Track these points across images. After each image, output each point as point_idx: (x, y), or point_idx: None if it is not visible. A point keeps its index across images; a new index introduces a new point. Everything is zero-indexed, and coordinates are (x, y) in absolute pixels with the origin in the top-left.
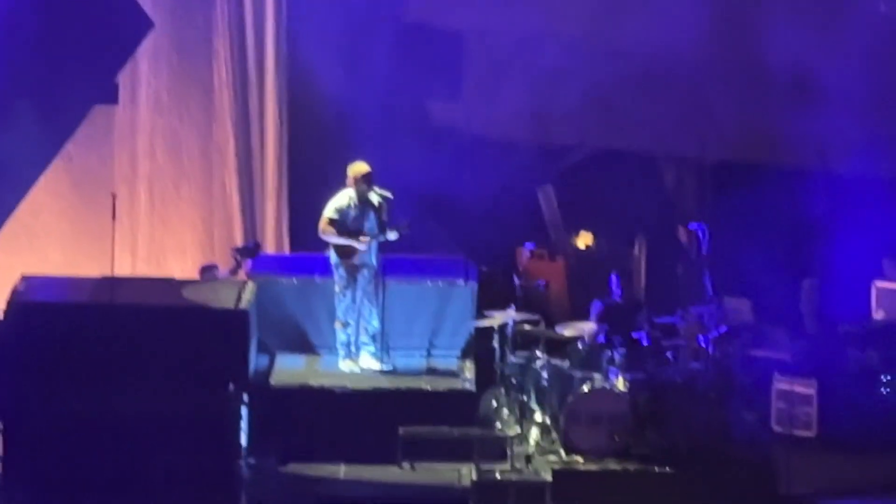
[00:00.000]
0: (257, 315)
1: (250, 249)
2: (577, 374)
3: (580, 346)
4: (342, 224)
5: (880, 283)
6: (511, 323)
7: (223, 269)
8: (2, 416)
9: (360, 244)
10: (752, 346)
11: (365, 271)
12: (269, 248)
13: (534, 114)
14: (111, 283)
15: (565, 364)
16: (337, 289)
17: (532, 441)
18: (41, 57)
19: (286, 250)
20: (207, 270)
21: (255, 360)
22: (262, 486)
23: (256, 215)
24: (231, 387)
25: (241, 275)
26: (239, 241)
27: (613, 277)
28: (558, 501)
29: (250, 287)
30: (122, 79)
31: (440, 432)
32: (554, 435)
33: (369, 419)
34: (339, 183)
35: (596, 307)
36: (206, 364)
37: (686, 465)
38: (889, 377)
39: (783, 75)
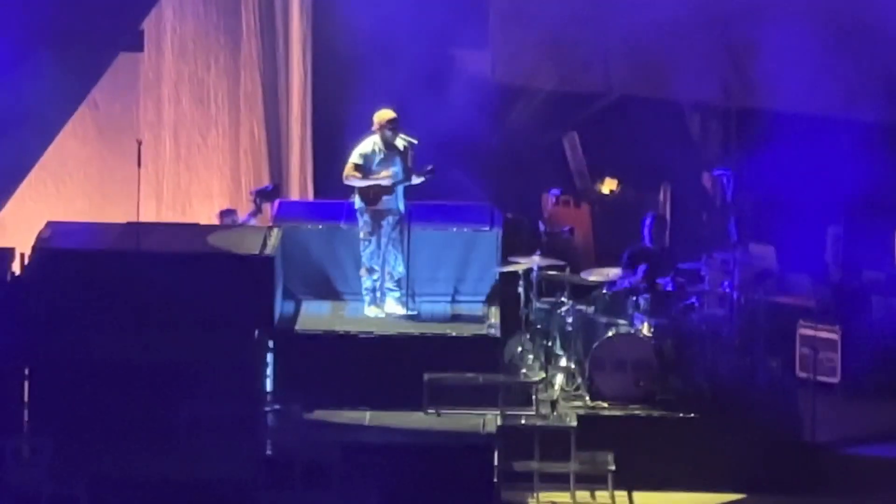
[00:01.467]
0: (282, 261)
1: (269, 192)
2: (602, 319)
3: (605, 291)
4: (367, 169)
5: None
6: (536, 269)
7: (242, 214)
8: (27, 362)
9: (384, 180)
10: (776, 292)
11: (390, 217)
12: (294, 194)
13: (558, 60)
14: (136, 229)
15: (590, 310)
16: (362, 235)
17: (557, 387)
18: (64, 4)
19: (310, 197)
20: (226, 214)
21: (281, 307)
22: (287, 433)
23: (283, 163)
24: (256, 333)
25: (262, 219)
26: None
27: (647, 219)
28: (583, 447)
29: (276, 233)
30: (147, 26)
31: (465, 378)
32: (579, 381)
33: (394, 365)
34: (364, 130)
35: (628, 251)
36: (231, 310)
37: (710, 412)
38: None
39: (811, 21)
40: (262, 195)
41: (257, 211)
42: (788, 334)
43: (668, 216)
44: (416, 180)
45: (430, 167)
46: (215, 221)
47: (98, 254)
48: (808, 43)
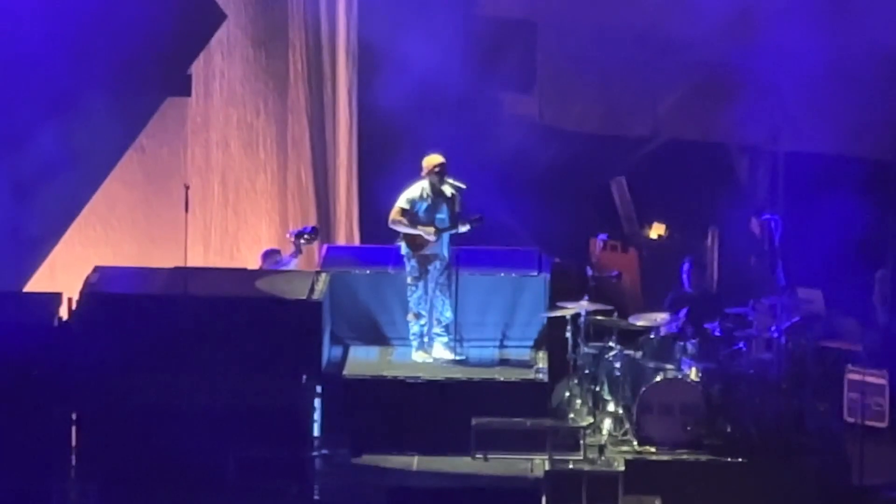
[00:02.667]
0: (330, 306)
1: (309, 234)
2: (650, 364)
3: (653, 336)
4: (413, 215)
5: None
6: (584, 314)
7: (285, 254)
8: (75, 406)
9: (428, 234)
10: (824, 336)
11: (437, 262)
12: (341, 239)
13: (606, 105)
14: (184, 273)
15: (638, 354)
16: (409, 280)
17: (605, 431)
18: (114, 48)
19: (357, 242)
20: (269, 255)
21: (329, 352)
22: (334, 477)
23: (330, 207)
24: (304, 378)
25: (303, 259)
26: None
27: (685, 264)
28: (630, 492)
29: (323, 278)
30: (196, 70)
31: (513, 423)
32: (626, 425)
33: (442, 410)
34: (410, 175)
35: (669, 297)
36: (279, 355)
37: (758, 456)
38: None
39: (862, 65)
40: (302, 236)
41: (298, 252)
42: (836, 379)
43: (715, 261)
44: (462, 228)
45: (477, 216)
46: (258, 262)
47: (145, 298)
48: (855, 86)
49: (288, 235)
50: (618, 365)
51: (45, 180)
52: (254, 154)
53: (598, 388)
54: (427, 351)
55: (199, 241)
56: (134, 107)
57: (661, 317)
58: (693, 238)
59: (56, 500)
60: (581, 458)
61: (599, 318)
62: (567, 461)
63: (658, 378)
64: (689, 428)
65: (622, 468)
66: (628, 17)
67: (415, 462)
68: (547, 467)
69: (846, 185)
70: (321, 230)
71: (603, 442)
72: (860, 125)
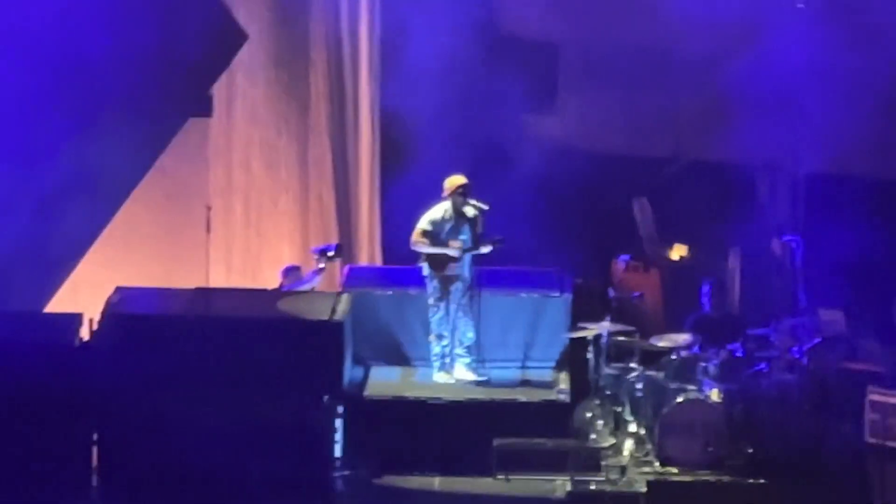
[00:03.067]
0: (352, 327)
1: (333, 252)
2: (672, 385)
3: (675, 357)
4: (436, 236)
5: None
6: (606, 334)
7: (307, 271)
8: (97, 427)
9: (453, 250)
10: (845, 357)
11: (459, 283)
12: (363, 260)
13: (628, 125)
14: (205, 294)
15: (660, 375)
16: (431, 301)
17: (626, 452)
18: (135, 69)
19: (378, 263)
20: (290, 272)
21: (350, 372)
22: (356, 498)
23: (352, 227)
24: (326, 398)
25: (326, 277)
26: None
27: (705, 287)
28: None
29: (345, 299)
30: (217, 91)
31: (535, 444)
32: (648, 446)
33: (464, 431)
34: (432, 195)
35: (690, 319)
36: (300, 375)
37: (780, 477)
38: None
39: (883, 85)
40: (325, 254)
41: (320, 269)
42: (858, 400)
43: (737, 282)
44: (484, 249)
45: (499, 237)
46: (279, 279)
47: (167, 319)
48: (875, 107)
49: (311, 252)
50: (639, 386)
51: (67, 200)
52: (276, 174)
53: (619, 409)
54: (449, 371)
55: (220, 262)
56: (155, 127)
57: (682, 337)
58: (715, 259)
59: None
60: (603, 478)
61: (621, 338)
62: (589, 482)
63: (680, 399)
64: (710, 449)
65: (644, 489)
66: (649, 37)
67: (436, 483)
68: (569, 488)
69: (867, 206)
70: (345, 249)
71: (625, 463)
72: (882, 145)
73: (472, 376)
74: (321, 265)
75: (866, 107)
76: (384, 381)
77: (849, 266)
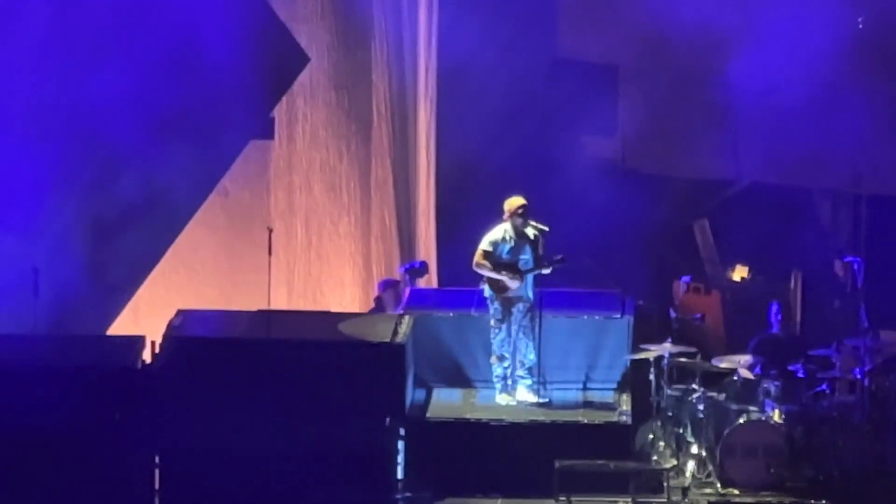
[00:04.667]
0: (413, 349)
1: (418, 269)
2: (734, 406)
3: (736, 378)
4: (497, 257)
5: None
6: (667, 356)
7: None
8: (159, 450)
9: (511, 282)
10: None
11: (520, 305)
12: (422, 282)
13: (688, 147)
14: (267, 317)
15: (721, 397)
16: (492, 322)
17: (688, 474)
18: (197, 93)
19: (434, 285)
20: (390, 286)
21: (412, 394)
22: None
23: (414, 250)
24: (388, 420)
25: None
26: (398, 277)
27: (773, 307)
28: None
29: (406, 321)
30: (278, 114)
31: (596, 465)
32: (710, 467)
33: (525, 452)
34: (490, 217)
35: (756, 339)
36: (362, 398)
37: (841, 499)
38: None
39: None
40: (413, 272)
41: (411, 286)
42: None
43: (798, 303)
44: (545, 270)
45: (559, 256)
46: (376, 291)
47: (229, 342)
48: None
49: (399, 270)
50: (701, 407)
51: (129, 224)
52: (337, 197)
53: (681, 431)
54: (510, 393)
55: (282, 284)
56: (217, 150)
57: (744, 359)
58: (776, 280)
59: None
60: (665, 500)
61: (682, 360)
62: (651, 503)
63: (741, 420)
64: (772, 470)
65: None
66: (708, 61)
67: None
68: None
69: None
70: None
71: (686, 484)
72: None
73: (533, 398)
74: (411, 282)
75: None
76: (446, 402)
77: None
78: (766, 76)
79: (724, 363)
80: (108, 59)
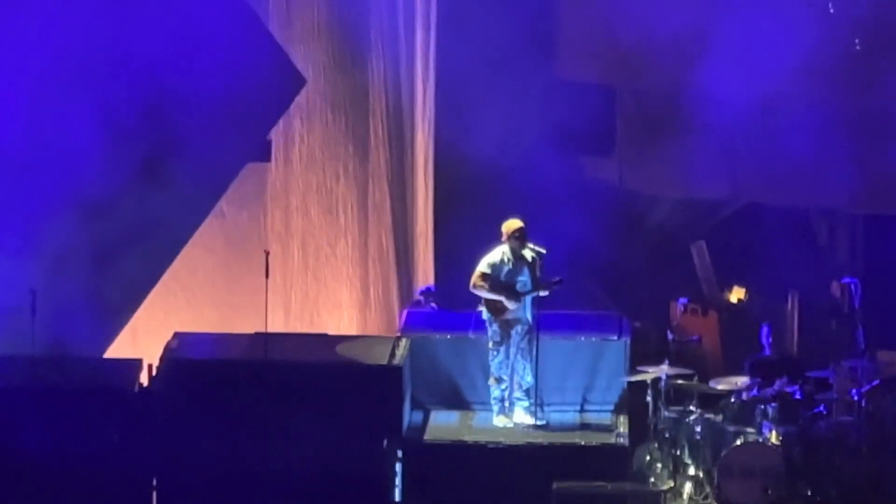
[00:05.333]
0: (411, 371)
1: (433, 291)
2: (731, 428)
3: (733, 400)
4: (495, 279)
5: None
6: (664, 378)
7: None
8: (156, 472)
9: (509, 303)
10: None
11: (518, 327)
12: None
13: (685, 168)
14: (264, 339)
15: (719, 418)
16: (490, 344)
17: (685, 495)
18: (193, 115)
19: (434, 307)
20: (429, 294)
21: (409, 416)
22: None
23: (412, 272)
24: (385, 443)
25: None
26: (395, 299)
27: (764, 329)
28: None
29: (404, 343)
30: (275, 136)
31: (594, 487)
32: (707, 489)
33: (523, 474)
34: (488, 240)
35: (748, 361)
36: (360, 420)
37: None
38: None
39: None
40: (428, 295)
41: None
42: None
43: (795, 324)
44: (543, 292)
45: (557, 279)
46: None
47: (226, 364)
48: None
49: (417, 294)
50: (698, 429)
51: (125, 246)
52: (334, 219)
53: (678, 452)
54: (508, 415)
55: (279, 307)
56: (214, 173)
57: (741, 380)
58: (773, 302)
59: None
60: None
61: (680, 381)
62: None
63: (739, 441)
64: (769, 491)
65: None
66: (705, 81)
67: None
68: None
69: None
70: (404, 294)
71: None
72: None
73: (530, 420)
74: (429, 304)
75: None
76: (443, 425)
77: None
78: (762, 96)
79: (721, 385)
80: (106, 82)
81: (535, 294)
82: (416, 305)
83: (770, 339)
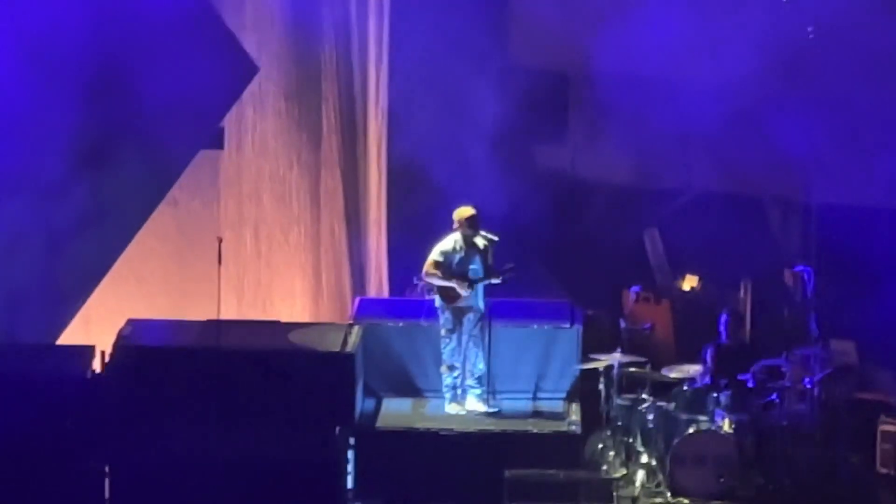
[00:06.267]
0: (363, 359)
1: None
2: (683, 416)
3: (686, 388)
4: (447, 267)
5: None
6: (617, 365)
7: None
8: (108, 459)
9: (462, 289)
10: (857, 388)
11: (471, 315)
12: (371, 292)
13: (638, 156)
14: (217, 326)
15: (671, 406)
16: (442, 332)
17: (638, 483)
18: (145, 102)
19: (386, 295)
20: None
21: (362, 404)
22: None
23: (364, 260)
24: (337, 430)
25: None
26: (348, 287)
27: (722, 316)
28: None
29: (356, 331)
30: (228, 124)
31: (546, 475)
32: (660, 477)
33: (475, 462)
34: (441, 228)
35: (707, 351)
36: (312, 407)
37: None
38: None
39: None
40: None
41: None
42: (869, 430)
43: (747, 312)
44: (495, 280)
45: (510, 266)
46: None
47: (178, 351)
48: (889, 137)
49: (415, 280)
50: (651, 417)
51: (78, 234)
52: (286, 207)
53: (630, 440)
54: (460, 403)
55: (231, 294)
56: (166, 160)
57: (694, 368)
58: (726, 290)
59: None
60: None
61: (632, 369)
62: None
63: (691, 430)
64: (722, 479)
65: None
66: (659, 68)
67: None
68: None
69: (879, 236)
70: (357, 281)
71: (636, 494)
72: (893, 175)
73: (483, 408)
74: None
75: (878, 137)
76: (396, 412)
77: (860, 296)
78: (715, 84)
79: (673, 373)
80: (56, 66)
81: (487, 282)
82: (412, 290)
83: (727, 327)
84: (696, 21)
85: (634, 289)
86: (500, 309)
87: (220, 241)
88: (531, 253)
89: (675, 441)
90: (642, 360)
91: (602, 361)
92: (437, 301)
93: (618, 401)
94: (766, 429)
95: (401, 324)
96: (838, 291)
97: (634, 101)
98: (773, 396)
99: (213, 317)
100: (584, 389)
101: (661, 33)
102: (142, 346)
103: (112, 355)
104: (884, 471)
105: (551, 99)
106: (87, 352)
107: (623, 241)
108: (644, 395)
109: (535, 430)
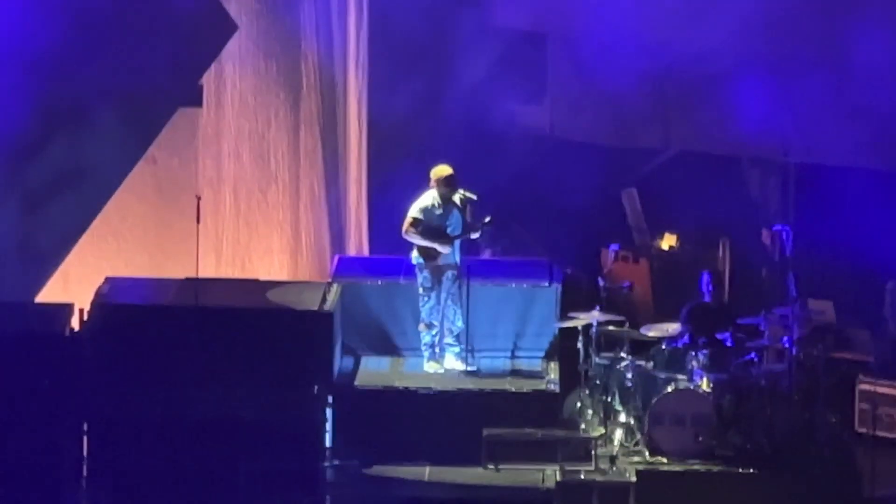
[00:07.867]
0: (342, 317)
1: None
2: (662, 375)
3: (664, 347)
4: (426, 224)
5: None
6: (595, 324)
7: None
8: (87, 417)
9: (442, 248)
10: (835, 347)
11: (449, 273)
12: (351, 250)
13: (617, 116)
14: (195, 284)
15: (649, 365)
16: (421, 290)
17: (616, 442)
18: (123, 59)
19: (365, 253)
20: None
21: (340, 362)
22: (346, 488)
23: (343, 218)
24: (315, 388)
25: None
26: (327, 245)
27: (705, 276)
28: (642, 502)
29: (335, 289)
30: (207, 81)
31: (524, 433)
32: (638, 436)
33: (453, 420)
34: (420, 186)
35: (686, 309)
36: (290, 366)
37: (769, 467)
38: None
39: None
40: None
41: None
42: (847, 389)
43: (726, 272)
44: (474, 235)
45: (487, 219)
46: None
47: (156, 309)
48: (868, 98)
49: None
50: (629, 375)
51: (55, 192)
52: (265, 165)
53: (609, 399)
54: (438, 361)
55: (210, 252)
56: (145, 118)
57: (672, 327)
58: (704, 249)
59: None
60: (592, 468)
61: (611, 328)
62: (578, 472)
63: (669, 389)
64: (700, 438)
65: (634, 479)
66: (638, 29)
67: (426, 472)
68: (558, 478)
69: (858, 197)
70: (335, 240)
71: (614, 452)
72: (875, 137)
73: (461, 366)
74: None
75: (857, 98)
76: (374, 371)
77: (838, 256)
78: (695, 45)
79: (652, 331)
80: (32, 23)
81: (465, 237)
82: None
83: (711, 288)
84: None
85: (613, 248)
86: (478, 267)
87: (199, 199)
88: (510, 212)
89: (654, 400)
90: (621, 318)
91: (581, 320)
92: (416, 259)
93: (596, 360)
94: (744, 388)
95: (379, 282)
96: (816, 251)
97: (613, 61)
98: (752, 356)
99: (192, 275)
100: (562, 348)
101: None
102: (120, 303)
103: (90, 313)
104: (861, 430)
105: (530, 58)
106: (64, 310)
107: (601, 200)
108: (622, 354)
109: (513, 389)
